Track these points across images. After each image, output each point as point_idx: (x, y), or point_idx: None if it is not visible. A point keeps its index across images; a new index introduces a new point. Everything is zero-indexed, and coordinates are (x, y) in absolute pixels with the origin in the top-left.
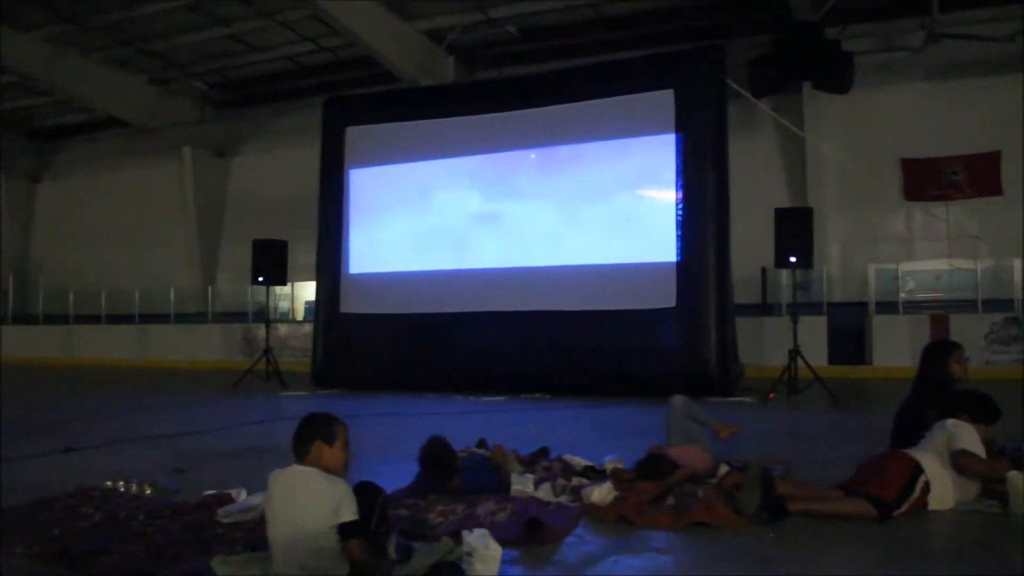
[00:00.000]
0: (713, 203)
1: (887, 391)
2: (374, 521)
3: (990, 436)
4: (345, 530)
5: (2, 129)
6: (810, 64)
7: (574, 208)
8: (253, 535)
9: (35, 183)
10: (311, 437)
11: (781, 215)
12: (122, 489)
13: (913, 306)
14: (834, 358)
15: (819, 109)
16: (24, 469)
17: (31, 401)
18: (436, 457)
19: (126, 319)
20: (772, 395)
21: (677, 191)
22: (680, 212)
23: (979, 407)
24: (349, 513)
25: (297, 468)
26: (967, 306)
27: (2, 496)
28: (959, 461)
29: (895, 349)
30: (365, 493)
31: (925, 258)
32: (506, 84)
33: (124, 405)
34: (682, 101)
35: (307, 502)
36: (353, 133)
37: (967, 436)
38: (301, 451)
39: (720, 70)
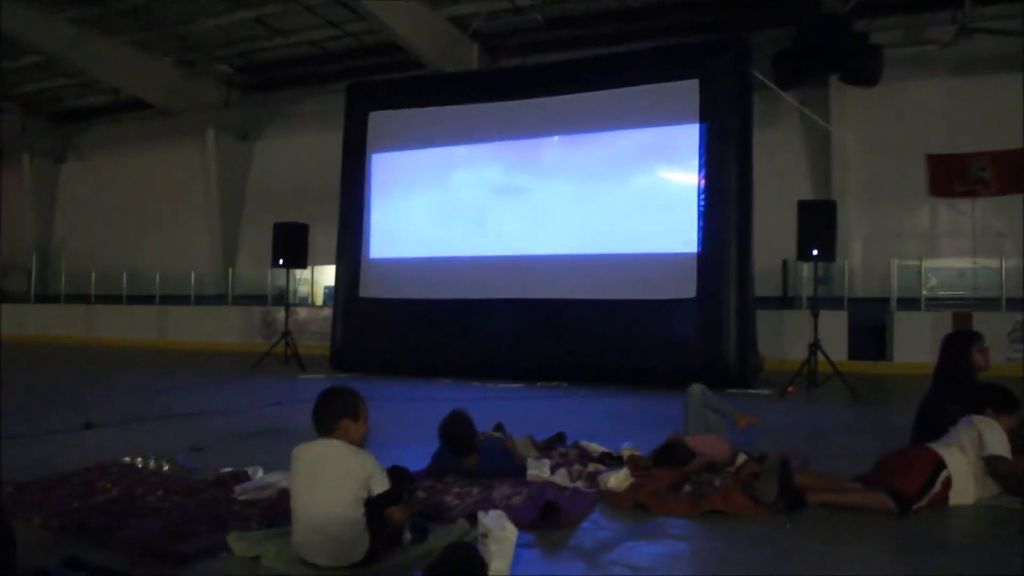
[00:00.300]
0: (736, 194)
1: (907, 387)
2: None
3: (1014, 425)
4: (384, 500)
5: (27, 110)
6: (837, 57)
7: (595, 196)
8: (269, 512)
9: (59, 164)
10: (338, 415)
11: (804, 207)
12: (140, 465)
13: (935, 303)
14: (854, 353)
15: (845, 102)
16: (44, 444)
17: (51, 379)
18: (456, 431)
19: (146, 300)
20: (791, 388)
21: (700, 181)
22: (702, 202)
23: (1000, 399)
24: (383, 484)
25: (324, 442)
26: (991, 304)
27: (2, 472)
28: (995, 467)
29: (916, 345)
30: (397, 478)
31: (949, 255)
32: (530, 72)
33: (143, 385)
34: (707, 91)
35: (336, 474)
36: (376, 118)
37: (995, 435)
38: (328, 428)
39: (746, 61)
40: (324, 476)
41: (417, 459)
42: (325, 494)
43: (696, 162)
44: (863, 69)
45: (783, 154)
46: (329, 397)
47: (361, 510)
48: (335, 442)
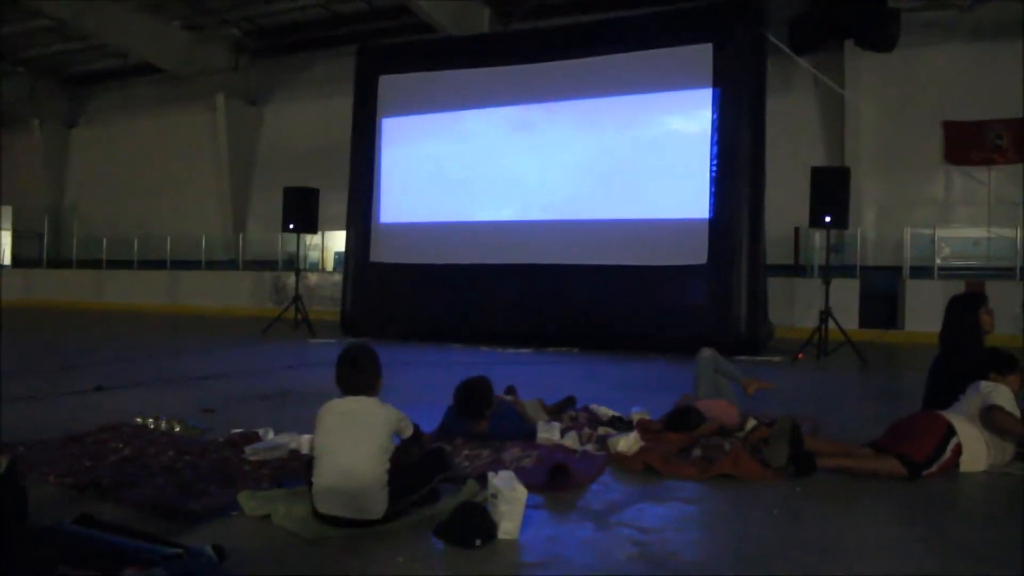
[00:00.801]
0: (748, 160)
1: (918, 356)
2: (428, 486)
3: (1018, 388)
4: (411, 442)
5: (37, 75)
6: (854, 21)
7: (607, 162)
8: (279, 473)
9: (69, 129)
10: (377, 372)
11: (817, 174)
12: (151, 426)
13: (948, 272)
14: (865, 321)
15: (860, 68)
16: (56, 406)
17: (63, 342)
18: (473, 395)
19: (157, 265)
20: (801, 355)
21: (712, 147)
22: (714, 168)
23: (1001, 361)
24: (409, 429)
25: (352, 397)
26: (1005, 274)
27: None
28: (992, 416)
29: (928, 314)
30: (433, 459)
31: (963, 223)
32: (541, 35)
33: (154, 348)
34: (720, 56)
35: (368, 427)
36: (386, 82)
37: (1002, 397)
38: (369, 386)
39: (760, 25)
40: (356, 429)
41: (424, 422)
42: (356, 445)
43: (709, 127)
44: (879, 34)
45: (797, 120)
46: (366, 357)
47: (386, 465)
48: (367, 398)
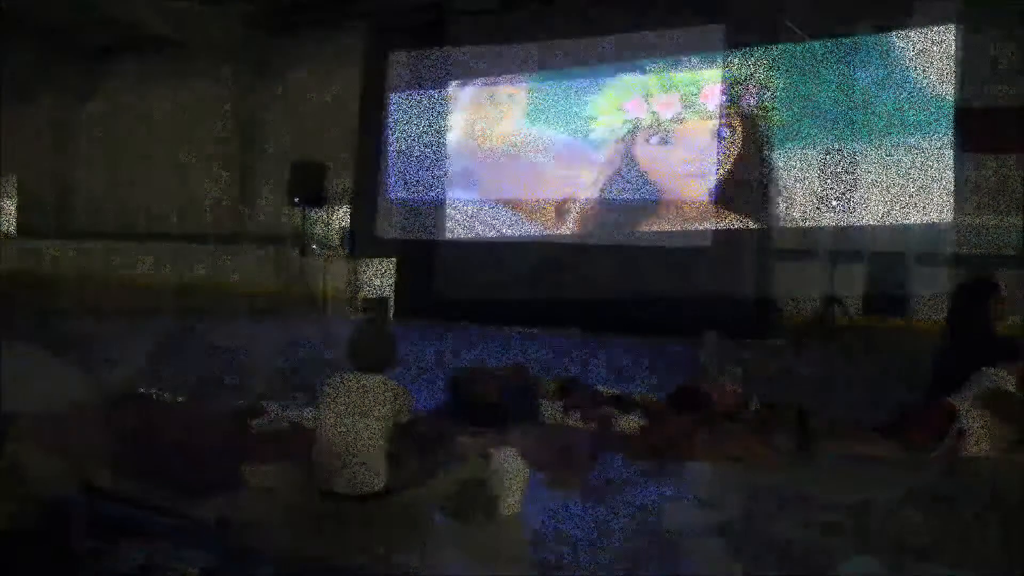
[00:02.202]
0: (757, 142)
1: (924, 342)
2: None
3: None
4: (406, 429)
5: (44, 45)
6: (868, 2)
7: (612, 141)
8: (284, 447)
9: (77, 100)
10: (390, 349)
11: (825, 157)
12: (157, 398)
13: (957, 259)
14: (871, 308)
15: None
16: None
17: (69, 313)
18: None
19: (163, 238)
20: (807, 341)
21: (720, 128)
22: (721, 149)
23: (1005, 349)
24: (407, 415)
25: (361, 374)
26: (1014, 263)
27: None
28: (996, 402)
29: (935, 301)
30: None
31: (974, 211)
32: (553, 12)
33: (160, 321)
34: (731, 37)
35: (373, 403)
36: (396, 58)
37: (1007, 383)
38: (380, 362)
39: (776, 7)
40: (357, 406)
41: (425, 399)
42: (356, 422)
43: (717, 108)
44: (894, 16)
45: (806, 102)
46: (380, 333)
47: (385, 443)
48: (374, 375)
